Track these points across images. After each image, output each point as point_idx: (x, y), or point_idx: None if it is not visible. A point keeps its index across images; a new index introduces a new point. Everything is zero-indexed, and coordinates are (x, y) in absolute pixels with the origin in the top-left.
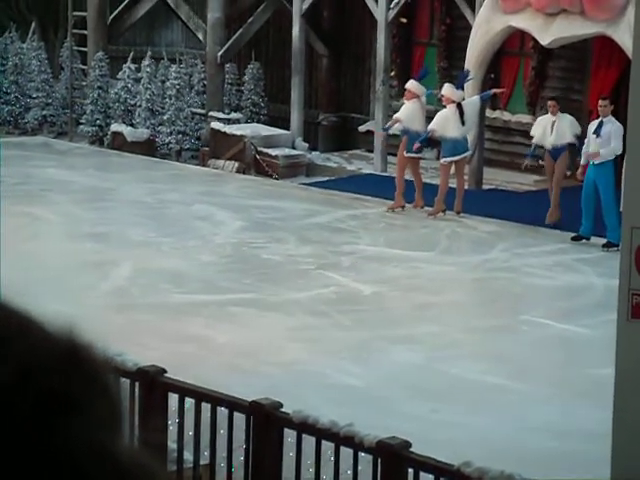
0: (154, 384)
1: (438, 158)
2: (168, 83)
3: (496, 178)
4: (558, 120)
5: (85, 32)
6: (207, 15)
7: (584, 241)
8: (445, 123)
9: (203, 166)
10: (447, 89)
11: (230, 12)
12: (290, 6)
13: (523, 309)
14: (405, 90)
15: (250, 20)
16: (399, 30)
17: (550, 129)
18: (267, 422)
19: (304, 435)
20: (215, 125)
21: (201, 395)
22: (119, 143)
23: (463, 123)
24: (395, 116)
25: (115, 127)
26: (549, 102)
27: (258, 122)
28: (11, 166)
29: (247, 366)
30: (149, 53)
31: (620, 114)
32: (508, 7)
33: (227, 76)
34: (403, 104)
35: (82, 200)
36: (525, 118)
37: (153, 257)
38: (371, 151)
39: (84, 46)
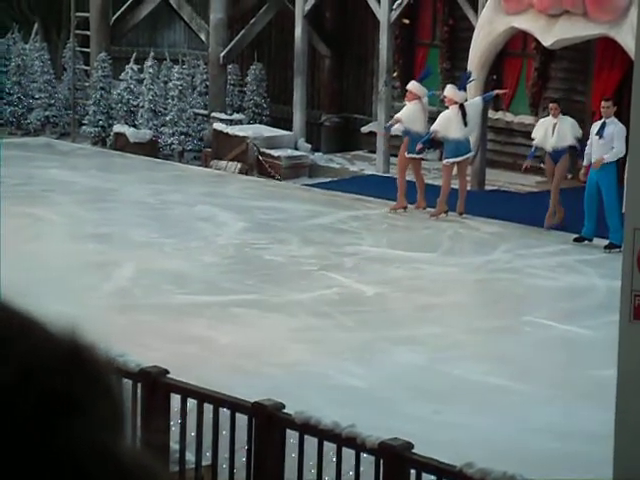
0: (156, 385)
1: (440, 159)
2: (171, 84)
3: (498, 179)
4: (559, 123)
5: (88, 33)
6: (210, 16)
7: (586, 242)
8: (448, 124)
9: (205, 167)
10: (449, 90)
11: (232, 13)
12: (292, 7)
13: (525, 310)
14: (407, 91)
15: (252, 21)
16: (402, 31)
17: (551, 131)
18: (269, 423)
19: (306, 436)
20: (217, 126)
21: (203, 396)
22: (121, 144)
23: (466, 124)
24: (396, 116)
25: (118, 128)
26: (550, 104)
27: (260, 123)
28: (14, 167)
29: (249, 367)
30: (152, 54)
31: (623, 115)
32: (511, 8)
33: (229, 77)
34: (405, 105)
35: (84, 201)
36: (527, 119)
37: (155, 258)
38: (374, 152)
39: (87, 47)
